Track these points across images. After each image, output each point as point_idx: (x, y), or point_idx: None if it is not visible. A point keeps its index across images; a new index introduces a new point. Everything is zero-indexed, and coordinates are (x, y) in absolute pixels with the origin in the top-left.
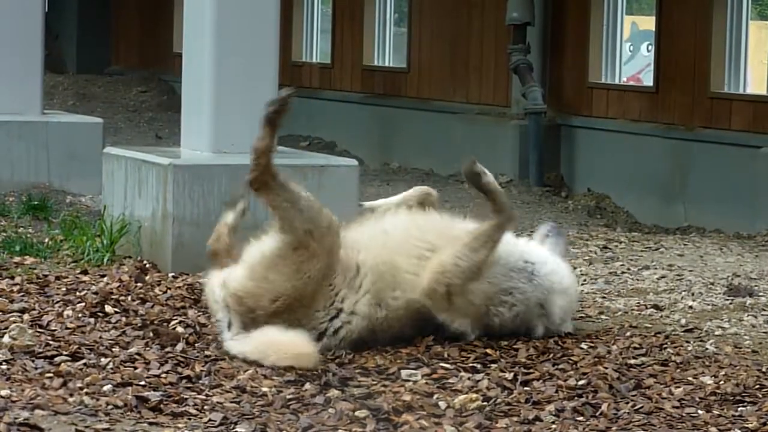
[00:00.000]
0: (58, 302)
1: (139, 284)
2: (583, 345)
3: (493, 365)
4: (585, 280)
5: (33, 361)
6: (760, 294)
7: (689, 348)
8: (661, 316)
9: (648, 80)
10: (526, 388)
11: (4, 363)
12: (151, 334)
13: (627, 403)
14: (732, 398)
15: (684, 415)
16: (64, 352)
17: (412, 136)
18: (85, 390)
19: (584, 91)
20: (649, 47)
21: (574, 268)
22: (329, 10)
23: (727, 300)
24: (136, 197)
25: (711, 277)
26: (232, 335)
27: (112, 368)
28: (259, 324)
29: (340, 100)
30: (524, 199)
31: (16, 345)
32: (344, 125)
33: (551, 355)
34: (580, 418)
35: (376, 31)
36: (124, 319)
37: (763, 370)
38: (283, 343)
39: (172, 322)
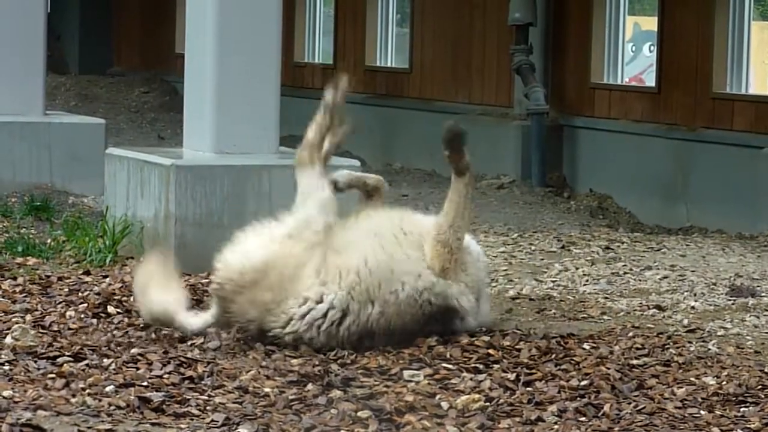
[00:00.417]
0: (60, 303)
1: None
2: (585, 345)
3: (496, 366)
4: (587, 281)
5: (35, 361)
6: (763, 294)
7: (692, 348)
8: (664, 317)
9: (650, 81)
10: (528, 389)
11: (6, 364)
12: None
13: (629, 403)
14: (734, 399)
15: (686, 415)
16: (67, 353)
17: (414, 137)
18: (87, 391)
19: (586, 92)
20: (652, 48)
21: (577, 268)
22: (331, 10)
23: (730, 300)
24: (138, 198)
25: (713, 277)
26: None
27: (114, 369)
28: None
29: None
30: (526, 199)
31: (19, 346)
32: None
33: (553, 356)
34: (583, 419)
35: (379, 31)
36: (126, 319)
37: (766, 370)
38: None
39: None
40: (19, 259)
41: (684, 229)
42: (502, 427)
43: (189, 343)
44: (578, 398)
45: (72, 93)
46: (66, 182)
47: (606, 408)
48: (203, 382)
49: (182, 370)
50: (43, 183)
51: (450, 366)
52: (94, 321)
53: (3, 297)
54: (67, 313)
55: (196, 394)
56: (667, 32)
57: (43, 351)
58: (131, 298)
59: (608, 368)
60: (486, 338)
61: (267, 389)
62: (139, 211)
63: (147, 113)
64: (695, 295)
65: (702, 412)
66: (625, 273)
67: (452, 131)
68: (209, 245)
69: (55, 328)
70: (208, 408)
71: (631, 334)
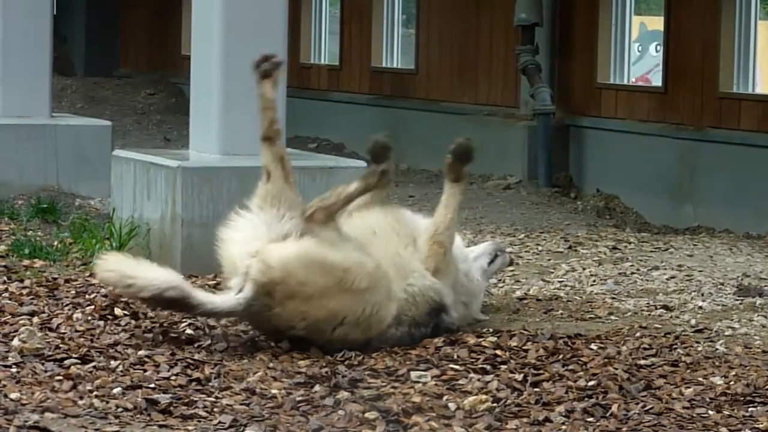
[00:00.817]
0: (67, 305)
1: None
2: (592, 346)
3: (503, 366)
4: (594, 281)
5: (43, 364)
6: None
7: (699, 348)
8: (671, 317)
9: (657, 80)
10: (535, 389)
11: (13, 366)
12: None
13: (637, 403)
14: (742, 399)
15: (694, 415)
16: (74, 355)
17: (420, 138)
18: (94, 393)
19: (593, 92)
20: (658, 47)
21: (584, 269)
22: (337, 11)
23: (737, 300)
24: (145, 200)
25: (721, 277)
26: None
27: (121, 371)
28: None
29: (349, 102)
30: (533, 200)
31: (26, 348)
32: (353, 127)
33: (561, 356)
34: (590, 419)
35: (385, 32)
36: (133, 321)
37: None
38: None
39: (181, 325)
40: (26, 262)
41: (691, 229)
42: (510, 427)
43: (196, 344)
44: (586, 399)
45: (78, 95)
46: (72, 184)
47: (614, 408)
48: (210, 383)
49: (189, 371)
50: (49, 185)
51: (457, 367)
52: (101, 323)
53: (10, 299)
54: (74, 316)
55: (204, 395)
56: (673, 32)
57: (50, 353)
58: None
59: (616, 368)
60: (493, 339)
61: (274, 390)
62: (145, 213)
63: (153, 115)
64: (703, 295)
65: (710, 412)
66: (632, 273)
67: (465, 146)
68: (216, 247)
69: (62, 330)
70: (215, 410)
71: (638, 334)
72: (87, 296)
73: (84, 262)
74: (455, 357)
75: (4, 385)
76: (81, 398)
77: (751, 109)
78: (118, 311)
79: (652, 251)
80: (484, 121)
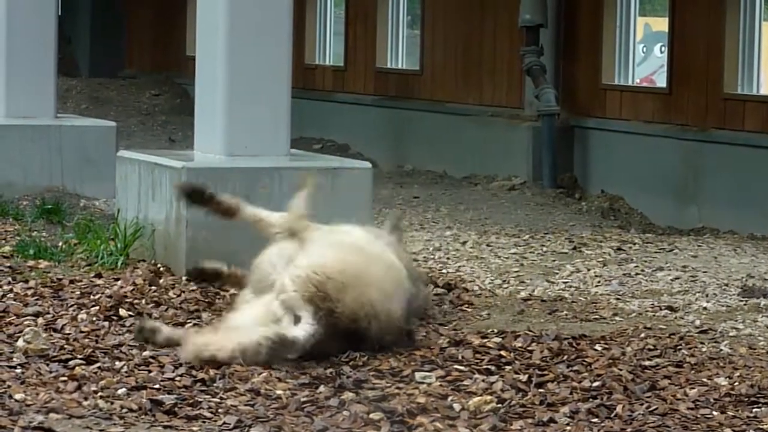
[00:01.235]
0: (72, 306)
1: (153, 288)
2: (597, 347)
3: (508, 367)
4: (599, 282)
5: (47, 364)
6: None
7: (704, 349)
8: (676, 318)
9: (661, 81)
10: (540, 390)
11: (18, 367)
12: None
13: (641, 404)
14: (747, 399)
15: (699, 416)
16: (79, 356)
17: (425, 139)
18: (99, 393)
19: (597, 93)
20: (663, 48)
21: (588, 270)
22: (342, 12)
23: (742, 301)
24: (149, 200)
25: (725, 278)
26: None
27: (126, 371)
28: None
29: (353, 103)
30: (538, 201)
31: (31, 349)
32: (357, 127)
33: (565, 357)
34: (595, 420)
35: (389, 33)
36: (138, 322)
37: None
38: None
39: (186, 326)
40: (31, 262)
41: (695, 230)
42: (515, 428)
43: None
44: (590, 399)
45: (83, 96)
46: (77, 185)
47: (618, 409)
48: (215, 384)
49: (194, 372)
50: (54, 186)
51: (462, 367)
52: (106, 324)
53: (15, 300)
54: (79, 316)
55: (208, 396)
56: (678, 33)
57: (54, 354)
58: (143, 301)
59: (620, 369)
60: (498, 339)
61: (279, 391)
62: (150, 214)
63: (158, 116)
64: (707, 295)
65: (714, 412)
66: (636, 274)
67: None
68: (220, 248)
69: (67, 331)
70: (220, 410)
71: (643, 335)
72: (92, 297)
73: (89, 263)
74: (460, 358)
75: (9, 386)
76: (86, 399)
77: (755, 110)
78: (122, 312)
79: (656, 252)
80: (488, 122)
